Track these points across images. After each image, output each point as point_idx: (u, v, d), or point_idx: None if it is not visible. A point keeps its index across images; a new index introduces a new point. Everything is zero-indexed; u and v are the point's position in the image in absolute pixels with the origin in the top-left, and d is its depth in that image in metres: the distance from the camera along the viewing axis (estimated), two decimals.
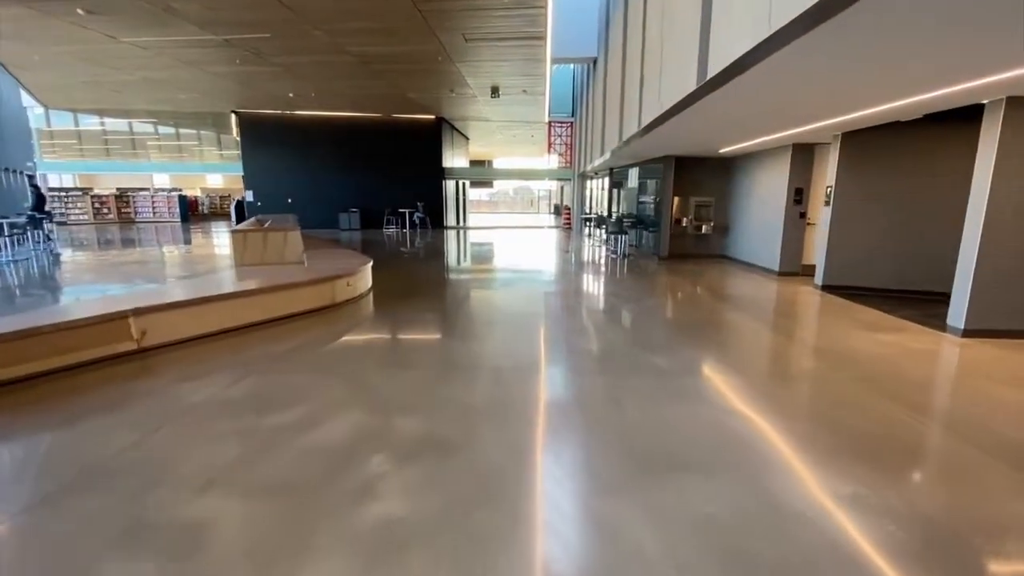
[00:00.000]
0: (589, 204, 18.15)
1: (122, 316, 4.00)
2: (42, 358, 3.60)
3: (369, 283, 6.97)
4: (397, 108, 17.45)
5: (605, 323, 5.46)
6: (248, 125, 18.50)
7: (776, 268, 8.63)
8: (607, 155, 11.64)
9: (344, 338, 4.79)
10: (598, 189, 17.27)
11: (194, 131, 26.04)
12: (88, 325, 3.83)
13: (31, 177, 16.41)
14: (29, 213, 11.74)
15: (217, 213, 26.67)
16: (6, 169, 14.36)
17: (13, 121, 15.88)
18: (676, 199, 10.64)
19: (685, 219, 10.75)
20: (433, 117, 18.55)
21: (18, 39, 9.80)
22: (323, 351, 4.37)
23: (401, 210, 18.40)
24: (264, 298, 5.10)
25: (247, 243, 7.57)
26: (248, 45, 10.02)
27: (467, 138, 24.38)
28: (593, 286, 7.92)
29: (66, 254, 11.29)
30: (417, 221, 18.49)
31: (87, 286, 7.60)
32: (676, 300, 6.86)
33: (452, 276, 8.97)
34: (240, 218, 18.25)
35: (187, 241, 15.34)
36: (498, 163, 36.66)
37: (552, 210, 37.19)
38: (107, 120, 24.67)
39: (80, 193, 23.39)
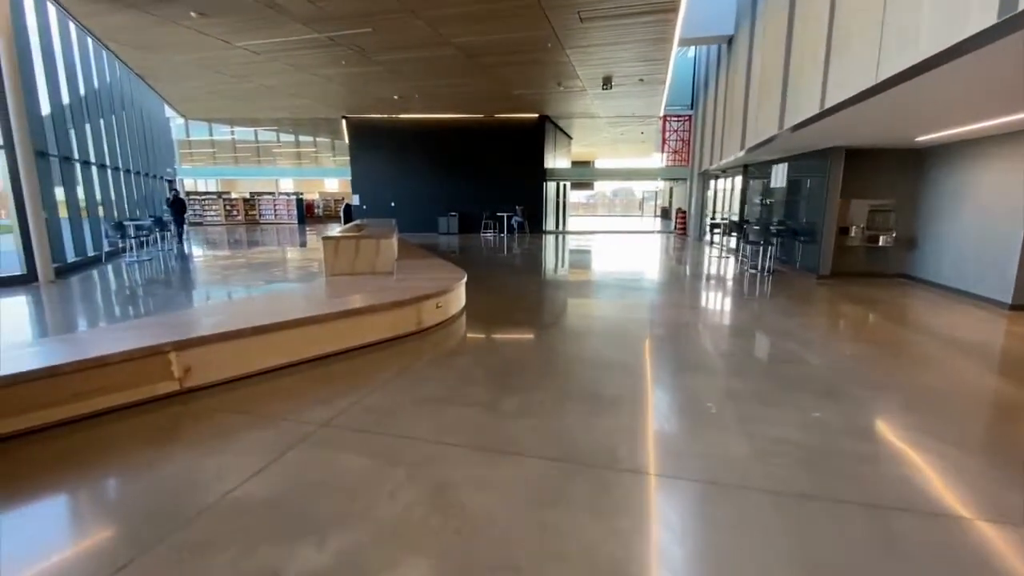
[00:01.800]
0: (713, 207, 15.87)
1: (161, 351, 3.23)
2: (61, 404, 2.89)
3: (462, 302, 5.91)
4: (500, 107, 16.61)
5: (780, 385, 3.81)
6: (356, 130, 18.81)
7: (1007, 299, 6.19)
8: (744, 150, 9.64)
9: (426, 387, 3.69)
10: (726, 190, 14.94)
11: (311, 137, 27.58)
12: (121, 362, 3.09)
13: (171, 182, 18.02)
14: (154, 215, 12.49)
15: (330, 215, 28.04)
16: (152, 175, 15.73)
17: (159, 132, 17.50)
18: (844, 202, 8.38)
19: (854, 228, 8.43)
20: (536, 116, 17.48)
21: (142, 48, 10.26)
22: (395, 405, 3.29)
23: (500, 214, 17.55)
24: (334, 326, 4.19)
25: (339, 251, 6.94)
26: (351, 42, 9.59)
27: (570, 137, 23.03)
28: (747, 318, 6.16)
29: (189, 255, 11.80)
30: (516, 225, 17.52)
31: (181, 290, 7.47)
32: (873, 345, 4.93)
33: (560, 294, 7.68)
34: (347, 221, 18.61)
35: (294, 243, 15.75)
36: (600, 164, 34.80)
37: (659, 213, 34.56)
38: (236, 129, 26.94)
39: (215, 197, 25.75)
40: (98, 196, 11.12)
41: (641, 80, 12.66)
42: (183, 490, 2.32)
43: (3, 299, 6.80)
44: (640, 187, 40.51)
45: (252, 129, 26.63)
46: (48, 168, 8.67)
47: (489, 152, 18.11)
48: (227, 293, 7.49)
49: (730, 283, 8.37)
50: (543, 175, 18.13)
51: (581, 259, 12.05)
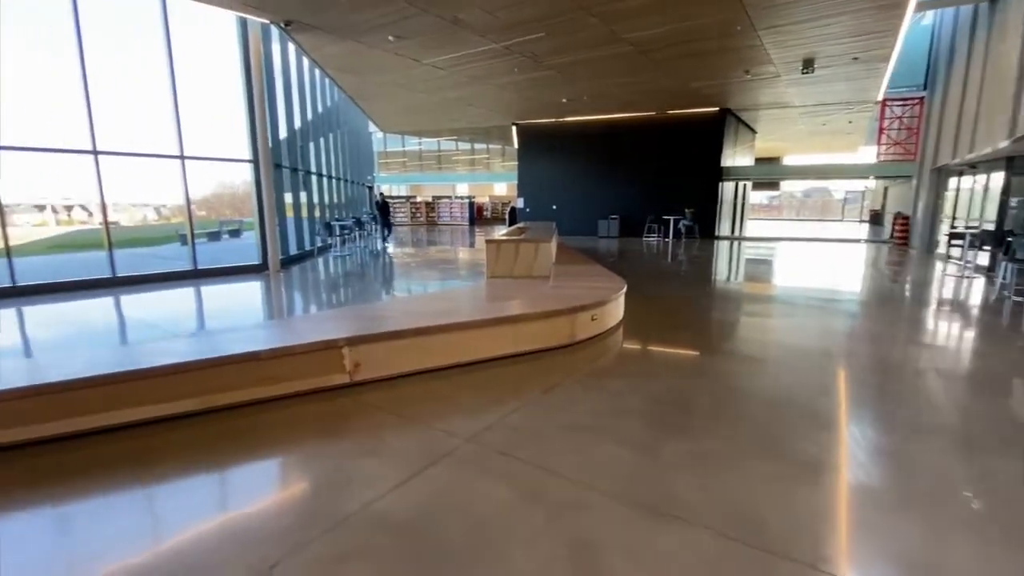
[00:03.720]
0: (953, 212, 12.49)
1: (336, 346, 3.49)
2: (257, 385, 3.28)
3: (620, 315, 5.46)
4: (674, 102, 15.48)
5: None
6: (525, 135, 19.42)
7: None
8: (1012, 139, 7.25)
9: (575, 412, 3.38)
10: (974, 190, 11.57)
11: (484, 145, 29.47)
12: (304, 353, 3.42)
13: (370, 188, 20.82)
14: (355, 217, 14.41)
15: (497, 217, 29.68)
16: (356, 182, 18.33)
17: (363, 145, 20.35)
18: None
19: None
20: (716, 109, 15.89)
21: (352, 72, 11.86)
22: (541, 429, 3.04)
23: (666, 217, 16.41)
24: (487, 332, 4.13)
25: (499, 254, 7.05)
26: (525, 49, 9.77)
27: (754, 132, 20.51)
28: (1012, 365, 4.56)
29: (379, 251, 13.43)
30: (683, 229, 16.18)
31: (367, 283, 8.40)
32: None
33: (736, 313, 6.71)
34: (512, 223, 19.38)
35: (464, 244, 16.87)
36: (790, 160, 30.42)
37: (867, 218, 28.96)
38: (423, 140, 30.12)
39: (404, 200, 29.17)
40: (315, 200, 13.28)
41: (855, 59, 10.52)
42: (334, 489, 2.38)
43: (245, 283, 8.46)
44: (841, 187, 34.46)
45: (435, 140, 29.51)
46: (281, 178, 10.56)
47: (658, 151, 17.07)
48: (401, 288, 8.20)
49: (980, 313, 6.35)
50: (719, 174, 16.43)
51: (762, 270, 10.51)
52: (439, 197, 29.25)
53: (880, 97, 14.35)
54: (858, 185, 31.46)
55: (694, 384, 3.80)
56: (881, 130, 16.28)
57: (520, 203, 20.13)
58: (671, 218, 16.21)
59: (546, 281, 6.21)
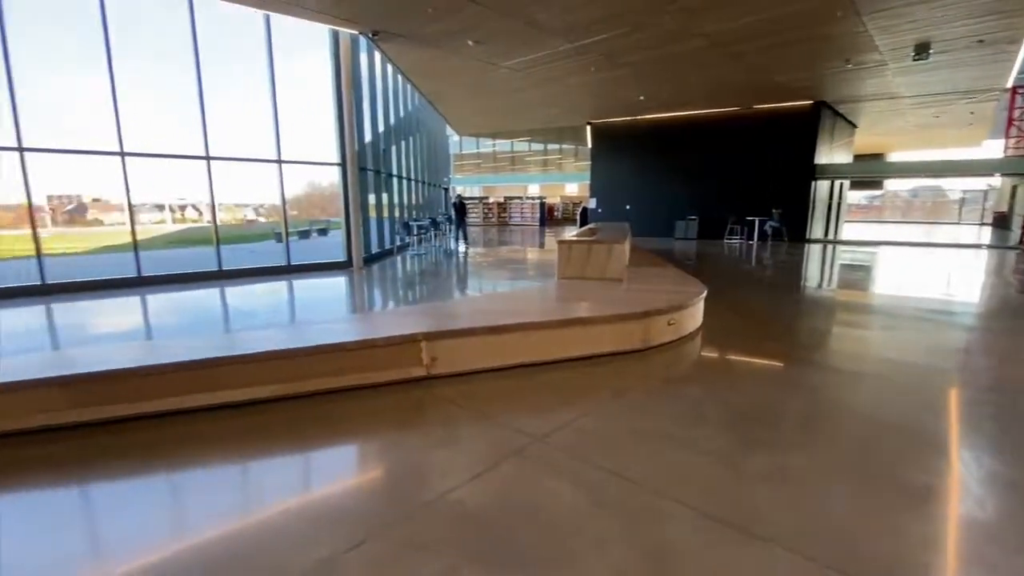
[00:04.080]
0: None
1: (415, 340, 3.65)
2: (343, 374, 3.50)
3: (698, 321, 5.23)
4: (761, 97, 14.59)
5: None
6: (598, 135, 19.15)
7: None
8: None
9: (649, 418, 3.29)
10: None
11: (557, 145, 29.42)
12: (386, 345, 3.60)
13: (446, 190, 21.48)
14: (431, 217, 14.92)
15: (568, 218, 29.53)
16: (432, 184, 19.00)
17: (440, 148, 21.04)
18: None
19: None
20: (809, 103, 14.75)
21: (432, 76, 12.31)
22: (613, 433, 2.99)
23: (750, 218, 15.48)
24: (557, 333, 4.12)
25: (571, 254, 7.01)
26: (600, 48, 9.64)
27: (854, 126, 18.80)
28: None
29: (453, 251, 13.84)
30: (769, 231, 15.19)
31: (442, 280, 8.69)
32: None
33: (828, 322, 6.21)
34: (583, 224, 19.19)
35: (534, 244, 16.94)
36: (896, 157, 27.55)
37: (990, 220, 25.64)
38: (498, 142, 30.60)
39: (476, 201, 29.80)
40: (395, 201, 13.93)
41: (980, 41, 9.34)
42: (414, 477, 2.49)
43: (332, 279, 9.06)
44: (957, 185, 30.71)
45: (509, 141, 29.90)
46: (365, 180, 11.18)
47: (742, 148, 16.14)
48: (474, 287, 8.39)
49: None
50: (812, 172, 15.24)
51: (861, 277, 9.62)
52: (511, 198, 29.60)
53: (1009, 84, 12.63)
54: (979, 183, 27.88)
55: (782, 396, 3.56)
56: (1010, 121, 14.34)
57: (592, 203, 19.88)
58: (756, 219, 15.28)
59: (619, 283, 6.09)
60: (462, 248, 14.22)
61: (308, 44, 10.01)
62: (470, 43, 9.35)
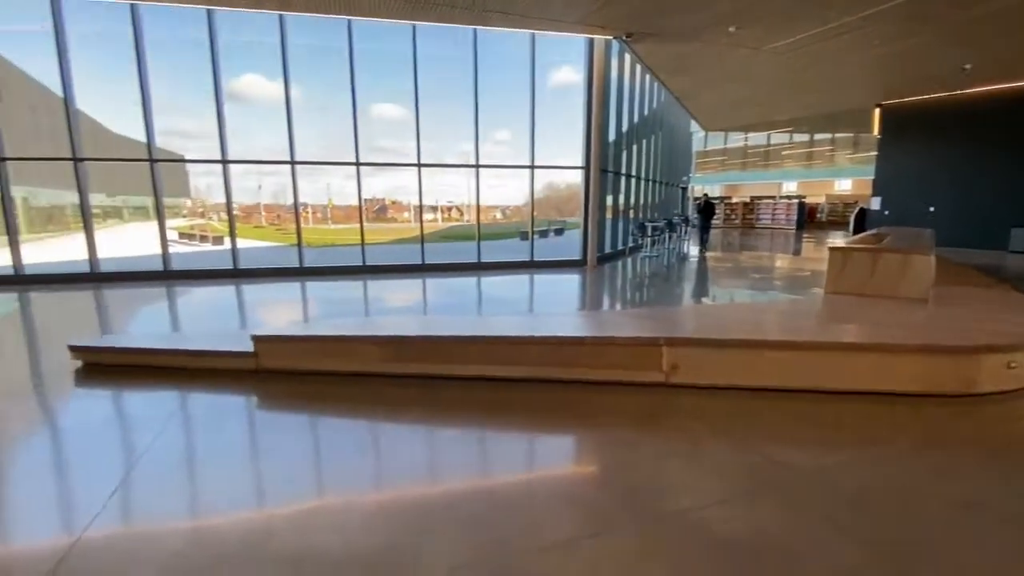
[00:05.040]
0: None
1: (656, 344, 3.52)
2: (579, 367, 3.61)
3: None
4: None
5: None
6: (891, 119, 15.38)
7: None
8: None
9: (968, 484, 2.45)
10: None
11: (828, 135, 24.80)
12: (626, 345, 3.57)
13: (684, 190, 20.41)
14: (666, 218, 14.30)
15: (835, 222, 24.73)
16: (670, 184, 18.31)
17: (682, 146, 20.07)
18: None
19: None
20: None
21: (682, 72, 11.71)
22: (907, 487, 2.31)
23: None
24: (829, 358, 3.42)
25: (847, 264, 5.83)
26: (898, 13, 7.67)
27: None
28: None
29: (686, 255, 13.08)
30: None
31: (676, 286, 8.23)
32: None
33: None
34: (858, 229, 15.75)
35: (787, 250, 14.67)
36: None
37: None
38: (750, 135, 27.43)
39: (718, 201, 27.44)
40: (631, 201, 13.87)
41: None
42: (649, 485, 2.39)
43: (568, 275, 9.56)
44: None
45: (765, 133, 26.54)
46: (605, 181, 11.41)
47: None
48: (715, 295, 7.72)
49: None
50: None
51: None
52: (759, 197, 26.31)
53: None
54: None
55: None
56: None
57: (875, 203, 16.15)
58: None
59: (923, 305, 4.76)
60: (700, 252, 13.25)
61: (559, 56, 10.71)
62: (731, 30, 8.57)
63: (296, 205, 9.75)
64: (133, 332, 5.69)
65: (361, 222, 10.11)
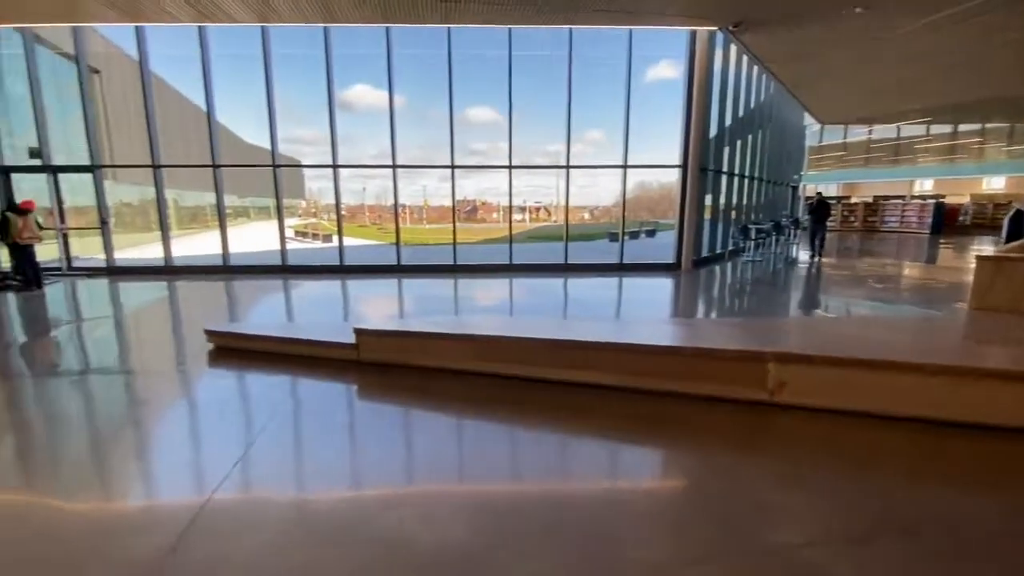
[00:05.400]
0: None
1: (761, 358, 3.24)
2: (672, 378, 3.43)
3: None
4: None
5: None
6: None
7: None
8: None
9: None
10: None
11: (977, 125, 21.40)
12: (726, 359, 3.33)
13: (794, 189, 18.71)
14: (773, 220, 13.18)
15: (982, 225, 21.29)
16: (778, 183, 16.91)
17: (792, 141, 18.42)
18: None
19: None
20: None
21: (796, 60, 10.70)
22: None
23: None
24: (983, 386, 2.92)
25: (998, 275, 4.99)
26: None
27: None
28: None
29: (796, 260, 11.97)
30: None
31: (784, 295, 7.54)
32: None
33: None
34: (1014, 235, 13.42)
35: (919, 258, 12.87)
36: None
37: None
38: (875, 128, 24.44)
39: (834, 201, 24.80)
40: (732, 202, 12.97)
41: None
42: (750, 512, 2.20)
43: (660, 280, 9.17)
44: None
45: (893, 125, 23.55)
46: (704, 180, 10.79)
47: None
48: (832, 307, 6.98)
49: None
50: None
51: None
52: (884, 197, 23.35)
53: None
54: None
55: None
56: None
57: None
58: None
59: None
60: (813, 257, 12.05)
61: (657, 51, 10.28)
62: (857, 10, 7.69)
63: (396, 206, 10.33)
64: (254, 320, 6.36)
65: (453, 222, 10.48)
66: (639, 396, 3.47)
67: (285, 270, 10.06)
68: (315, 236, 17.24)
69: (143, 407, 3.59)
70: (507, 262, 10.35)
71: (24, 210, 7.97)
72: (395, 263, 10.27)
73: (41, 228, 8.26)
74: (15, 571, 1.88)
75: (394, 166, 9.94)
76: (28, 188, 9.67)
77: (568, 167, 10.15)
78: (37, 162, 9.51)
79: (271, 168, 9.85)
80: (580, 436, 3.03)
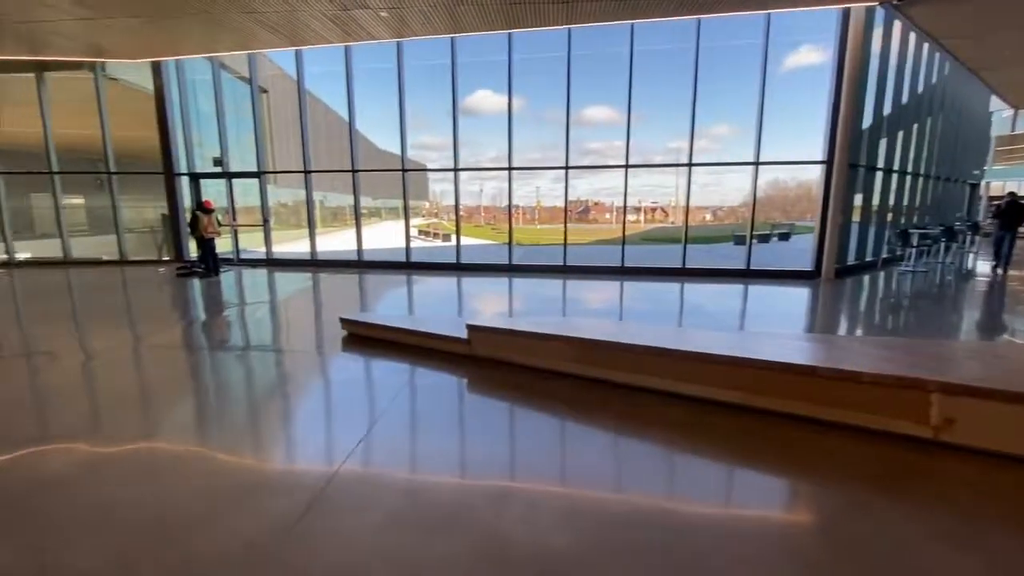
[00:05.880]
0: None
1: (922, 387, 2.74)
2: (804, 400, 3.05)
3: None
4: None
5: None
6: None
7: None
8: None
9: None
10: None
11: None
12: (874, 384, 2.88)
13: (974, 187, 15.70)
14: (944, 224, 11.14)
15: None
16: (952, 179, 14.30)
17: (971, 131, 15.42)
18: None
19: None
20: None
21: (981, 35, 8.90)
22: None
23: None
24: None
25: None
26: None
27: None
28: None
29: (973, 272, 10.02)
30: None
31: (955, 316, 6.29)
32: None
33: None
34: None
35: None
36: None
37: None
38: None
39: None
40: (890, 202, 11.24)
41: None
42: (899, 566, 1.86)
43: (795, 289, 8.26)
44: None
45: None
46: (854, 177, 9.48)
47: None
48: (1017, 331, 5.72)
49: None
50: None
51: None
52: None
53: None
54: None
55: None
56: None
57: None
58: None
59: None
60: (996, 269, 9.98)
61: (797, 36, 9.23)
62: None
63: (510, 207, 10.59)
64: (380, 312, 6.95)
65: (565, 223, 10.46)
66: (759, 416, 3.15)
67: (409, 266, 10.85)
68: (436, 235, 18.40)
69: (289, 382, 4.10)
70: (619, 264, 10.07)
71: (207, 209, 9.61)
72: (507, 262, 10.53)
73: (220, 225, 9.89)
74: (186, 503, 2.25)
75: (510, 168, 10.20)
76: (209, 192, 11.63)
77: (690, 164, 9.57)
78: (218, 169, 11.38)
79: (400, 172, 10.69)
80: (694, 453, 2.82)
